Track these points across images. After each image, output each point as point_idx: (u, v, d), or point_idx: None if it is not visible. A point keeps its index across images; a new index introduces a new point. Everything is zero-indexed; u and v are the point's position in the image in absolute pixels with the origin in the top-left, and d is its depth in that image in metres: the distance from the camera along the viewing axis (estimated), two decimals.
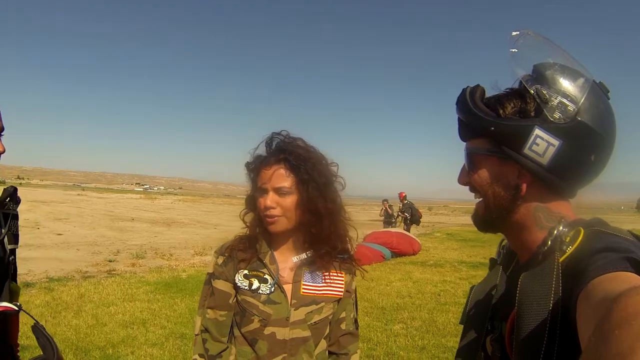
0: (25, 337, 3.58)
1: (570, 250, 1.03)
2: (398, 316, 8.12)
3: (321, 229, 2.03)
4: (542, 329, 0.95)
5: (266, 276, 2.02)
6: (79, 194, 66.36)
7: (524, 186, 1.13)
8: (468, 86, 1.21)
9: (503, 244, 1.39)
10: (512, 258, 1.29)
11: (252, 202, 2.08)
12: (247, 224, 2.11)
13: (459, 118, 1.23)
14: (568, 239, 1.05)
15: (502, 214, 1.19)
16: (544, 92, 1.08)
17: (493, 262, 1.39)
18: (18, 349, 2.17)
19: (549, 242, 1.08)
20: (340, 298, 2.13)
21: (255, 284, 2.01)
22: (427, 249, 18.09)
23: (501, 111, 1.13)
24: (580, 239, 1.04)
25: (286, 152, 2.00)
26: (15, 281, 2.20)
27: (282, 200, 1.97)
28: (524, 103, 1.12)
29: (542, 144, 1.07)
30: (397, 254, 15.53)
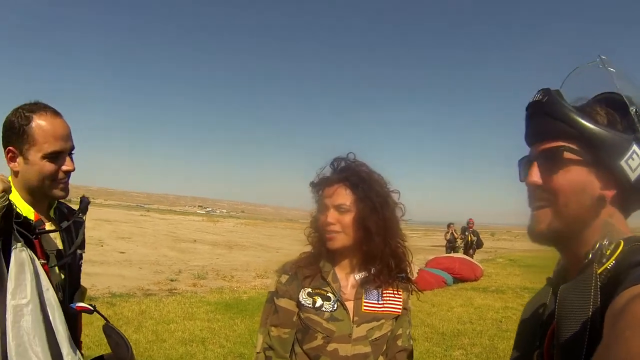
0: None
1: (608, 262, 1.03)
2: (458, 342, 8.05)
3: (373, 246, 2.12)
4: (581, 339, 0.96)
5: (329, 294, 2.12)
6: (141, 215, 68.28)
7: (608, 199, 1.13)
8: (548, 88, 1.20)
9: (561, 262, 1.36)
10: (564, 276, 1.26)
11: (316, 221, 2.20)
12: (311, 243, 2.22)
13: (539, 117, 1.21)
14: (609, 251, 1.05)
15: (578, 225, 1.16)
16: None
17: (549, 282, 1.37)
18: (81, 346, 2.31)
19: (590, 255, 1.08)
20: (399, 315, 2.20)
21: (319, 301, 2.10)
22: (489, 275, 17.92)
23: (598, 118, 1.14)
24: (619, 251, 1.04)
25: (348, 172, 2.14)
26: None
27: (341, 217, 2.09)
28: (614, 117, 1.13)
29: (636, 159, 1.09)
30: (458, 279, 15.52)
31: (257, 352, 2.17)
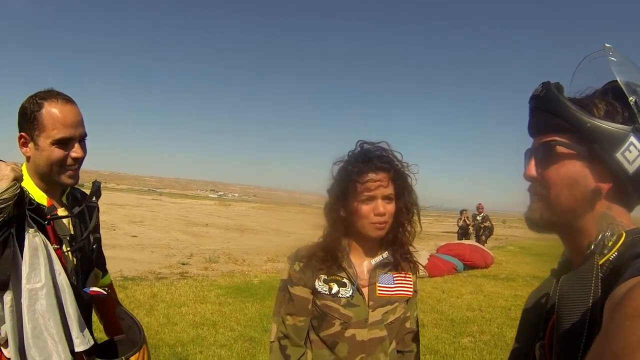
0: None
1: (610, 253, 1.05)
2: (467, 329, 8.10)
3: (405, 232, 2.20)
4: (581, 329, 0.97)
5: (344, 280, 2.14)
6: (153, 199, 68.55)
7: (603, 191, 1.15)
8: (548, 81, 1.22)
9: (565, 253, 1.38)
10: (569, 267, 1.29)
11: (338, 210, 2.18)
12: (326, 235, 2.23)
13: (537, 111, 1.24)
14: (610, 242, 1.07)
15: (570, 217, 1.19)
16: None
17: (553, 273, 1.38)
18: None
19: (592, 246, 1.09)
20: (410, 297, 2.25)
21: (335, 288, 2.13)
22: (499, 262, 17.92)
23: (595, 110, 1.15)
24: (620, 242, 1.06)
25: (391, 162, 2.14)
26: (100, 266, 2.49)
27: (388, 206, 2.11)
28: (614, 108, 1.13)
29: (634, 152, 1.09)
30: (469, 266, 15.56)
31: (272, 341, 2.21)
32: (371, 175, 2.09)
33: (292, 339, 2.15)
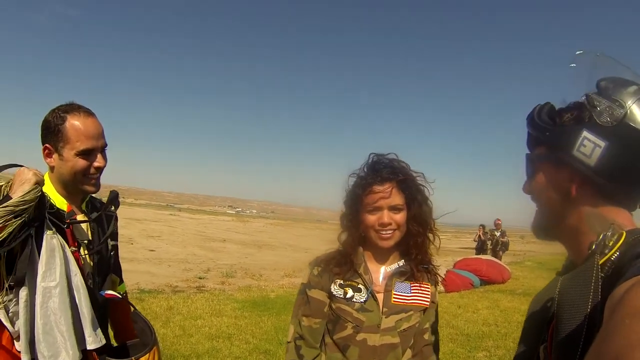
0: None
1: (610, 253, 1.06)
2: (482, 344, 8.04)
3: (418, 242, 2.24)
4: (580, 331, 0.99)
5: (360, 286, 2.20)
6: (171, 214, 68.87)
7: (574, 188, 1.18)
8: (539, 104, 1.29)
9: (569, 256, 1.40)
10: (572, 268, 1.28)
11: (351, 220, 2.26)
12: (342, 243, 2.29)
13: (527, 131, 1.32)
14: (611, 242, 1.08)
15: (556, 219, 1.25)
16: (593, 97, 1.15)
17: (558, 275, 1.40)
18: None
19: (593, 246, 1.10)
20: (427, 308, 2.28)
21: (350, 292, 2.20)
22: (516, 278, 17.71)
23: (557, 119, 1.21)
24: (620, 242, 1.07)
25: (397, 171, 2.20)
26: (118, 274, 2.59)
27: (395, 216, 2.17)
28: (580, 112, 1.17)
29: (589, 145, 1.12)
30: (486, 281, 15.40)
31: (288, 342, 2.28)
32: (376, 187, 2.16)
33: (307, 340, 2.22)
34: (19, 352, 1.96)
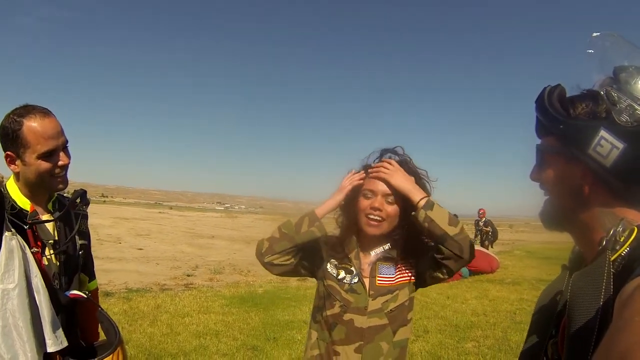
0: None
1: (622, 249, 1.03)
2: (471, 334, 8.05)
3: (403, 237, 2.32)
4: (592, 326, 0.96)
5: (352, 269, 2.29)
6: (160, 212, 68.86)
7: (587, 188, 1.14)
8: (549, 85, 1.23)
9: (575, 249, 1.38)
10: (580, 262, 1.28)
11: (348, 204, 2.34)
12: (340, 226, 2.39)
13: (536, 115, 1.26)
14: (622, 238, 1.05)
15: (566, 214, 1.21)
16: (614, 94, 1.08)
17: (564, 268, 1.38)
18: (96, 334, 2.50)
19: (604, 242, 1.07)
20: (413, 281, 2.34)
21: (342, 274, 2.29)
22: (505, 267, 17.89)
23: (571, 111, 1.15)
24: (632, 237, 1.04)
25: (403, 166, 2.26)
26: (87, 273, 2.55)
27: (387, 206, 2.22)
28: (595, 105, 1.12)
29: (606, 145, 1.07)
30: (474, 271, 15.42)
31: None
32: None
33: (278, 238, 2.31)
34: None
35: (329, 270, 2.32)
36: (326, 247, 2.36)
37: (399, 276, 2.30)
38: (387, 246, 2.32)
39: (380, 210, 2.20)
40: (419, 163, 2.31)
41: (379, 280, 2.28)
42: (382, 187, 2.22)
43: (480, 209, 22.59)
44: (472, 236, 21.72)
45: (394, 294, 2.27)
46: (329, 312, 2.27)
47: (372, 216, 2.22)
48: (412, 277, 2.33)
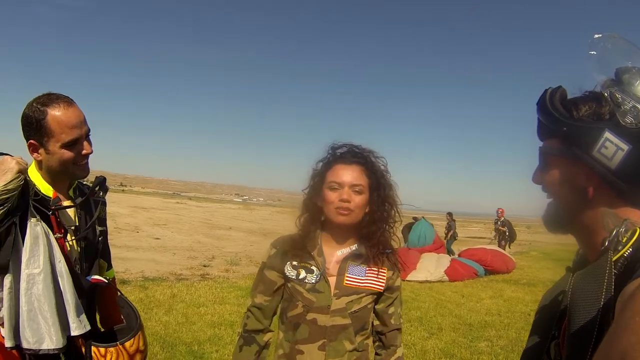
0: None
1: (624, 249, 1.04)
2: (485, 334, 8.07)
3: (376, 230, 2.31)
4: (592, 326, 0.98)
5: (313, 267, 2.29)
6: (177, 202, 68.98)
7: (591, 189, 1.15)
8: (550, 87, 1.24)
9: (579, 251, 1.39)
10: (584, 264, 1.27)
11: (312, 198, 2.36)
12: (301, 227, 2.39)
13: (538, 118, 1.27)
14: (625, 239, 1.06)
15: (570, 216, 1.22)
16: (618, 95, 1.10)
17: (568, 270, 1.39)
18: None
19: (606, 242, 1.08)
20: (381, 292, 2.34)
21: (302, 274, 2.29)
22: (521, 268, 17.74)
23: (575, 112, 1.16)
24: (635, 238, 1.05)
25: (361, 156, 2.30)
26: (106, 259, 2.60)
27: (355, 196, 2.23)
28: (599, 106, 1.13)
29: (611, 147, 1.08)
30: (490, 271, 15.43)
31: (246, 311, 2.39)
32: (340, 165, 2.26)
33: (254, 314, 2.34)
34: (4, 337, 1.97)
35: (287, 273, 2.31)
36: (286, 258, 2.34)
37: (368, 281, 2.30)
38: (354, 246, 2.34)
39: (349, 201, 2.21)
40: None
41: (347, 279, 2.28)
42: (347, 177, 2.23)
43: (499, 209, 22.48)
44: (490, 236, 21.64)
45: (360, 295, 2.28)
46: (292, 313, 2.29)
47: (341, 208, 2.22)
48: (381, 288, 2.33)
